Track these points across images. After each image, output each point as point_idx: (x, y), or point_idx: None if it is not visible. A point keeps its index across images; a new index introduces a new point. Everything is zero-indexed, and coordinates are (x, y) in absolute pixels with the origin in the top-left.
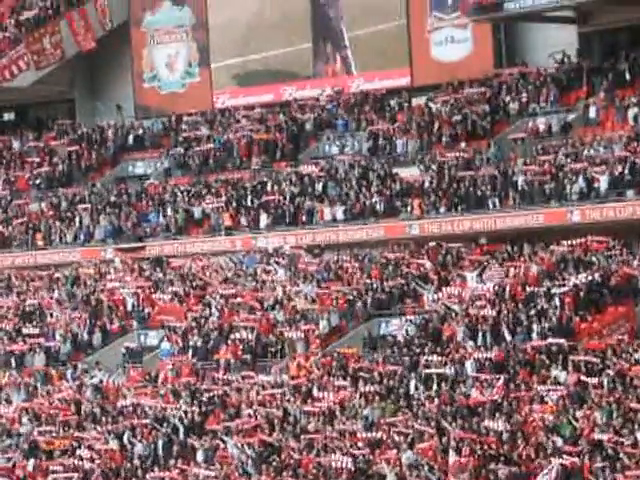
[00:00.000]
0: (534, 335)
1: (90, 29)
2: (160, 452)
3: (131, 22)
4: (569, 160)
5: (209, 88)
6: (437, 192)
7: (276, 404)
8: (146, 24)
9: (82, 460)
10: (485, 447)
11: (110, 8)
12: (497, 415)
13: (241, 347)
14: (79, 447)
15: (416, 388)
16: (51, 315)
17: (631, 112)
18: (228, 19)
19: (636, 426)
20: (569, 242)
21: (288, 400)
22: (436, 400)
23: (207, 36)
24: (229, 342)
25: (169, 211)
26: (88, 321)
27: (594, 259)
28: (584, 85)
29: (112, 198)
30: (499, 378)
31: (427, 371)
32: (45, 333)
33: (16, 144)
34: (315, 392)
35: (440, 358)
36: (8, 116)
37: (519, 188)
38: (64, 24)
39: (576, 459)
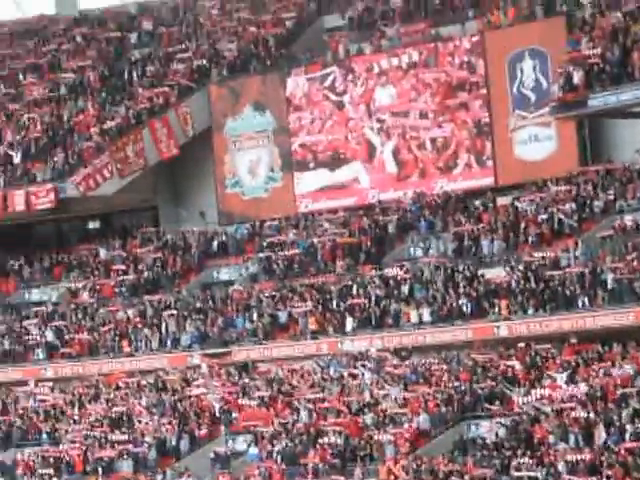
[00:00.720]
0: (627, 436)
1: (172, 136)
2: None
3: (213, 128)
4: None
5: (292, 193)
6: (524, 292)
7: None
8: (228, 130)
9: None
10: None
11: (192, 115)
12: None
13: (330, 451)
14: None
15: None
16: (139, 421)
17: None
18: (310, 121)
19: None
20: None
21: None
22: None
23: (289, 140)
24: (317, 446)
25: (255, 316)
26: (176, 427)
27: None
28: None
29: (198, 304)
30: None
31: (518, 474)
32: (133, 439)
33: (102, 252)
34: None
35: (531, 460)
36: (93, 224)
37: (608, 286)
38: (147, 132)
39: None
